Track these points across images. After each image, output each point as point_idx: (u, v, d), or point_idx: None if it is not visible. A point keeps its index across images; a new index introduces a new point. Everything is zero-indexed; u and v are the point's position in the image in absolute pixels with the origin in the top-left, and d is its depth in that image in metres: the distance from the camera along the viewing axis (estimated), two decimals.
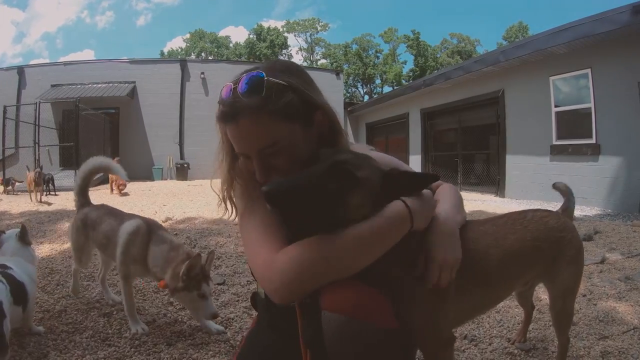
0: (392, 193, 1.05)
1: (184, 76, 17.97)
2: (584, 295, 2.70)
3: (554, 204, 7.06)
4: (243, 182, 1.17)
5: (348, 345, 0.92)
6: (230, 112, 1.04)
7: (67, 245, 4.46)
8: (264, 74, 1.04)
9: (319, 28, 53.34)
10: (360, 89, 51.21)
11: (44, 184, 10.58)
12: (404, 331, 1.02)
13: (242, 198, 1.17)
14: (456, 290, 1.20)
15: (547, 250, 1.47)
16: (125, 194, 10.35)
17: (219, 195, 1.23)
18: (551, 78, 8.80)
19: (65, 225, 5.90)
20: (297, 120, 1.06)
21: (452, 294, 1.18)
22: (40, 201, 8.56)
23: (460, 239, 1.18)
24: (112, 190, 10.66)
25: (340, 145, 1.16)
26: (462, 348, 2.05)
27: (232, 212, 1.22)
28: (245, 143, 1.05)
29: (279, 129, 1.03)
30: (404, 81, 45.69)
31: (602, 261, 3.56)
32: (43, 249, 4.19)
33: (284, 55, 51.12)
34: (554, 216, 1.57)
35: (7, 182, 10.89)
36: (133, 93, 17.22)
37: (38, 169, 9.06)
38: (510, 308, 2.49)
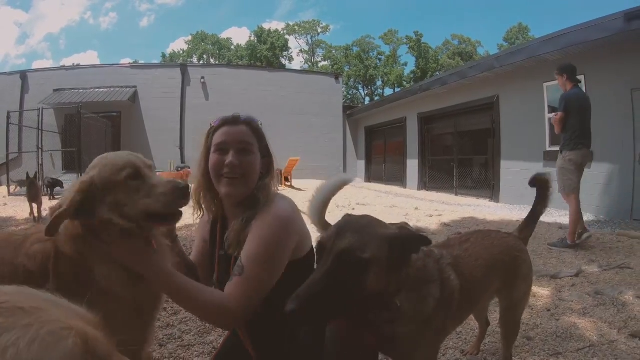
0: (402, 253, 1.17)
1: (185, 81, 18.11)
2: (548, 310, 2.78)
3: (548, 210, 7.05)
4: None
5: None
6: (233, 119, 1.59)
7: None
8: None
9: (319, 30, 53.44)
10: (361, 91, 51.27)
11: (48, 187, 10.75)
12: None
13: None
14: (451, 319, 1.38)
15: (508, 265, 1.65)
16: None
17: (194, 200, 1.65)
18: (545, 84, 8.84)
19: None
20: (260, 150, 1.60)
21: (448, 329, 1.36)
22: (39, 217, 7.08)
23: (452, 265, 1.41)
24: None
25: (269, 181, 1.61)
26: None
27: (201, 214, 1.69)
28: (235, 137, 1.53)
29: (254, 142, 1.57)
30: (405, 83, 45.76)
31: (578, 274, 3.61)
32: None
33: (284, 57, 51.22)
34: (512, 237, 1.78)
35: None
36: (134, 97, 17.41)
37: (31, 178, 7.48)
38: (471, 320, 2.55)
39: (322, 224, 2.15)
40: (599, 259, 4.19)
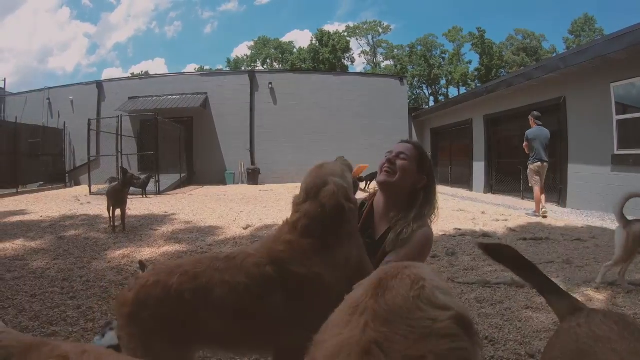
0: None
1: (253, 86, 19.09)
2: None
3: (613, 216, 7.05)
4: None
5: None
6: (406, 140, 2.17)
7: (166, 248, 5.22)
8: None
9: (380, 30, 53.42)
10: (425, 91, 50.77)
11: (143, 187, 11.93)
12: None
13: None
14: None
15: None
16: None
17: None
18: (612, 84, 8.63)
19: (158, 229, 6.67)
20: (421, 169, 2.07)
21: None
22: (123, 225, 6.62)
23: None
24: None
25: (432, 197, 2.09)
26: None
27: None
28: (401, 148, 2.07)
29: (414, 157, 2.06)
30: (469, 81, 44.89)
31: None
32: (144, 253, 5.01)
33: (346, 59, 51.63)
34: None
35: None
36: (205, 103, 18.58)
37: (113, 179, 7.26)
38: (530, 318, 2.89)
39: (621, 218, 3.56)
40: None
